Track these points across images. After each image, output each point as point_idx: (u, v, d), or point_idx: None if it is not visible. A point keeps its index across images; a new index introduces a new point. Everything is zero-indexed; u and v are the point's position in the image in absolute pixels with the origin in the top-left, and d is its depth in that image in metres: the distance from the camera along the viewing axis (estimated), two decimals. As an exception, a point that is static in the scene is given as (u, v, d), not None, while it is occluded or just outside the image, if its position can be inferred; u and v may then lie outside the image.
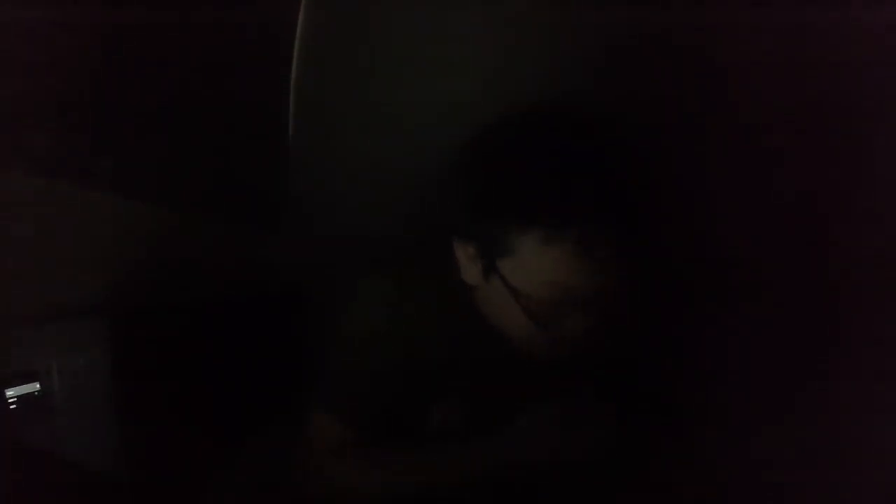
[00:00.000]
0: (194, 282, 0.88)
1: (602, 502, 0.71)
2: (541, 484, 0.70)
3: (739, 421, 0.68)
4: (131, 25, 0.69)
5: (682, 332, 0.75)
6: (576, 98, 0.69)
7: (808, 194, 0.63)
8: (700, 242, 0.73)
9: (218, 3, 0.73)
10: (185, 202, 0.80)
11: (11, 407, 0.72)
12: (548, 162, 0.65)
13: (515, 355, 0.70)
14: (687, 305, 0.75)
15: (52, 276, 0.73)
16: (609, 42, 0.66)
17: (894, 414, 0.53)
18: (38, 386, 0.74)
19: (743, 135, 0.67)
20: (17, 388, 0.73)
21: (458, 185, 0.70)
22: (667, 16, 0.62)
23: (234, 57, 0.76)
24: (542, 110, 0.68)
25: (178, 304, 0.87)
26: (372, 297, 0.72)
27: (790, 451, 0.62)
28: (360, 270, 0.75)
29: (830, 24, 0.54)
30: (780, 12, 0.56)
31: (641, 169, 0.66)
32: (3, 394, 0.72)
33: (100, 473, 0.77)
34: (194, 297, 0.89)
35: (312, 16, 0.69)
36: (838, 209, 0.62)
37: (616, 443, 0.71)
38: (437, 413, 0.73)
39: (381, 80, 0.74)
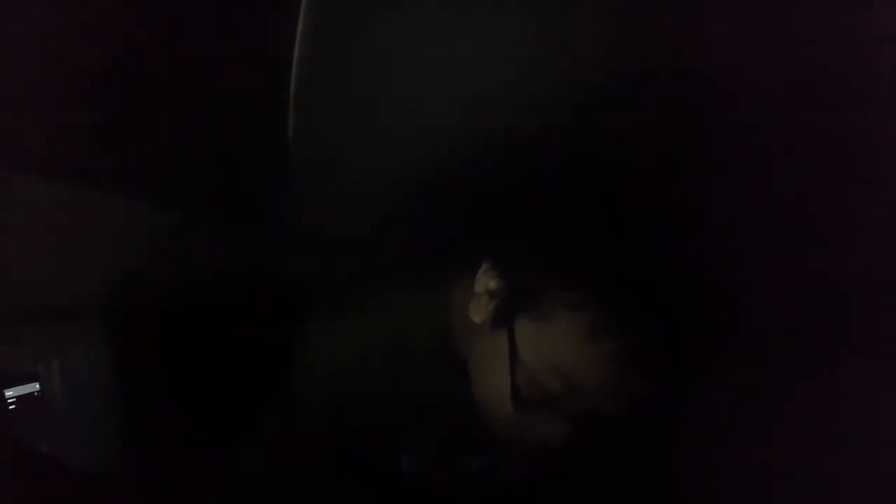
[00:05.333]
0: (194, 282, 0.88)
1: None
2: None
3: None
4: (131, 25, 0.69)
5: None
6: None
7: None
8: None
9: (218, 2, 0.73)
10: (185, 202, 0.80)
11: (11, 407, 0.72)
12: (612, 223, 0.55)
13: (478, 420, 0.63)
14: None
15: (52, 276, 0.73)
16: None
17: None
18: (37, 386, 0.74)
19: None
20: (17, 388, 0.73)
21: (500, 214, 0.63)
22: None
23: (234, 56, 0.76)
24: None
25: (178, 303, 0.87)
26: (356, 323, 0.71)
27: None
28: (355, 281, 0.73)
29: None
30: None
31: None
32: (3, 394, 0.72)
33: (100, 473, 0.77)
34: (194, 297, 0.89)
35: (312, 16, 0.69)
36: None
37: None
38: (406, 460, 0.71)
39: (383, 79, 0.74)
